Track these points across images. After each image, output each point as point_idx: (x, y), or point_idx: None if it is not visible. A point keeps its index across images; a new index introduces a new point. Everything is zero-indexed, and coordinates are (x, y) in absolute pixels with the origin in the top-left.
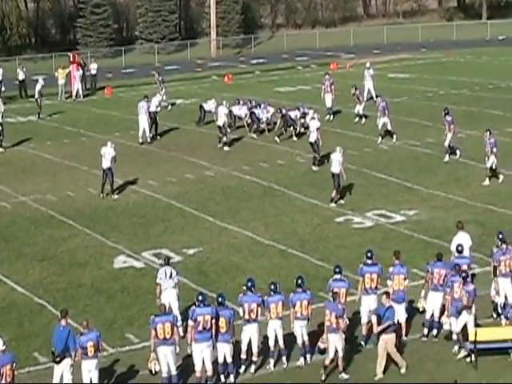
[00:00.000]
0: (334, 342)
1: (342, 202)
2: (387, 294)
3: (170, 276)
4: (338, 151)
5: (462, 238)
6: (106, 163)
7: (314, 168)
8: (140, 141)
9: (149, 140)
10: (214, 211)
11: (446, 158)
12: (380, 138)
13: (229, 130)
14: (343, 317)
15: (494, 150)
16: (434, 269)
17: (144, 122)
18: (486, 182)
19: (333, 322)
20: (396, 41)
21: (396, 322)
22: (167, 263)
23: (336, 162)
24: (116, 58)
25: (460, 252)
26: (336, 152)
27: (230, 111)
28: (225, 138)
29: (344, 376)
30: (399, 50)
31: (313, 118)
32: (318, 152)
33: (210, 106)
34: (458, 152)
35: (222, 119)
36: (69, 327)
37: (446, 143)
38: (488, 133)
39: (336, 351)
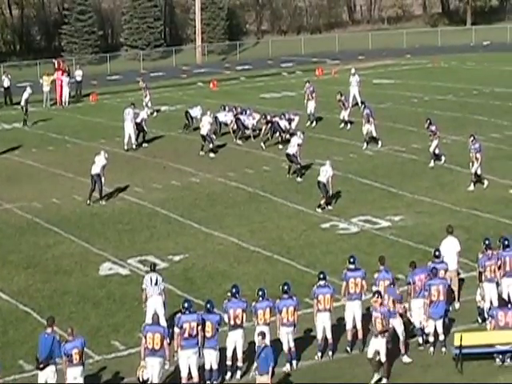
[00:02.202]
0: (394, 327)
1: (329, 207)
2: (263, 334)
3: (156, 283)
4: (328, 164)
5: (451, 243)
6: (95, 169)
7: (299, 179)
8: (125, 147)
9: (134, 147)
10: (199, 218)
11: (431, 164)
12: (365, 144)
13: (214, 137)
14: (401, 301)
15: (478, 155)
16: (414, 278)
17: (130, 129)
18: (471, 187)
19: (390, 306)
20: (381, 47)
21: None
22: (153, 270)
23: (324, 173)
24: (101, 64)
25: (437, 257)
26: (326, 165)
27: (216, 118)
28: (210, 145)
29: (407, 359)
30: (384, 55)
31: (294, 134)
32: (297, 163)
33: (195, 112)
34: (442, 158)
35: (205, 128)
36: (54, 334)
37: (431, 149)
38: (472, 138)
39: (397, 336)
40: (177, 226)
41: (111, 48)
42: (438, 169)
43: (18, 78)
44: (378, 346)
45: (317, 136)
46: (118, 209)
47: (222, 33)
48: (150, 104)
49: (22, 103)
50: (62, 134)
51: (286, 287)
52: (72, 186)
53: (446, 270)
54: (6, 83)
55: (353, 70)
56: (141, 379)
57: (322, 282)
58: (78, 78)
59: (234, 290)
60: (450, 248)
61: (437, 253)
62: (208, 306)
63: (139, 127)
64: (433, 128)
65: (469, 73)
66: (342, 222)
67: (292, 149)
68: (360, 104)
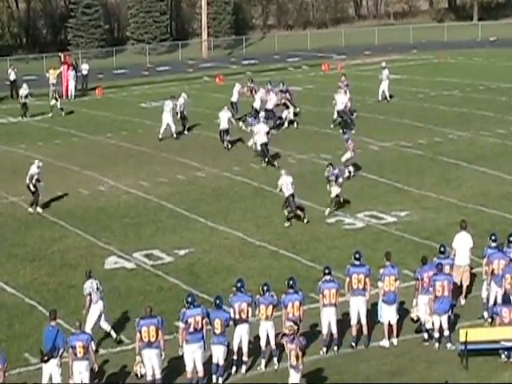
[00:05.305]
0: None
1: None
2: None
3: (97, 288)
4: (284, 174)
5: (464, 238)
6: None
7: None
8: (160, 137)
9: (174, 135)
10: (205, 212)
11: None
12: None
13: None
14: None
15: (341, 180)
16: (422, 274)
17: (168, 119)
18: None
19: None
20: (387, 42)
21: None
22: (90, 276)
23: (288, 184)
24: (107, 58)
25: (442, 252)
26: (282, 176)
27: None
28: (228, 138)
29: None
30: (390, 51)
31: (263, 122)
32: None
33: (235, 97)
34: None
35: (224, 124)
36: (58, 327)
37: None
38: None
39: None
40: (182, 221)
41: (117, 42)
42: (444, 164)
43: (25, 71)
44: (294, 381)
45: (323, 131)
46: (124, 203)
47: (228, 27)
48: None
49: (22, 100)
50: (68, 128)
51: (291, 282)
52: (77, 180)
53: (452, 266)
54: (12, 76)
55: (383, 64)
56: (138, 374)
57: (327, 277)
58: (84, 72)
59: (239, 285)
60: (462, 243)
61: (442, 248)
62: (217, 301)
63: (182, 115)
64: (346, 137)
65: (475, 68)
66: (348, 217)
67: (264, 137)
68: (389, 99)
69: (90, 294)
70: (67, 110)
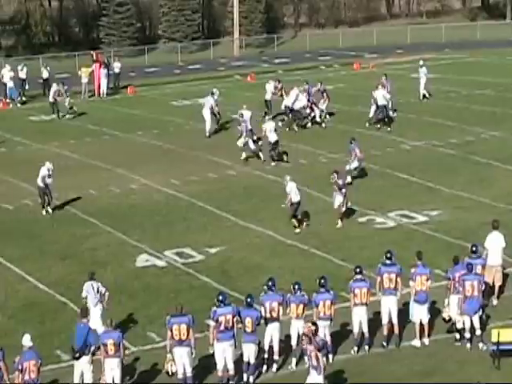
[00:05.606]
0: None
1: (297, 230)
2: None
3: (97, 291)
4: (290, 180)
5: (496, 238)
6: (38, 181)
7: (273, 163)
8: (207, 134)
9: (207, 134)
10: (236, 210)
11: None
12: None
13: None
14: None
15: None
16: (454, 274)
17: (207, 116)
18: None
19: None
20: (419, 41)
21: None
22: (92, 278)
23: (296, 190)
24: (139, 56)
25: (474, 252)
26: (289, 182)
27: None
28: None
29: None
30: (423, 49)
31: (271, 119)
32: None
33: (269, 95)
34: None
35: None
36: (89, 324)
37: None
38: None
39: None
40: (213, 219)
41: (149, 40)
42: (476, 164)
43: (57, 69)
44: (315, 381)
45: (354, 130)
46: (155, 201)
47: (260, 26)
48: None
49: (51, 99)
50: (100, 126)
51: (322, 281)
52: (109, 178)
53: (484, 266)
54: (45, 75)
55: (421, 62)
56: (169, 372)
57: (358, 276)
58: (117, 70)
59: (270, 283)
60: (495, 243)
61: (474, 248)
62: (248, 300)
63: (215, 113)
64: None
65: (508, 67)
66: (379, 216)
67: (274, 135)
68: (421, 98)
69: (86, 297)
70: (80, 110)
